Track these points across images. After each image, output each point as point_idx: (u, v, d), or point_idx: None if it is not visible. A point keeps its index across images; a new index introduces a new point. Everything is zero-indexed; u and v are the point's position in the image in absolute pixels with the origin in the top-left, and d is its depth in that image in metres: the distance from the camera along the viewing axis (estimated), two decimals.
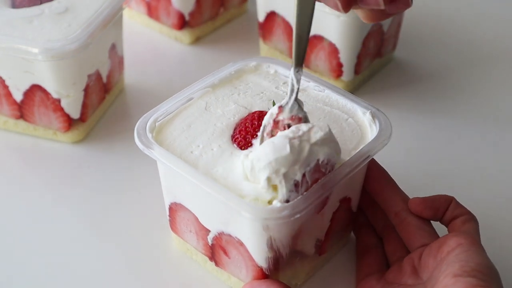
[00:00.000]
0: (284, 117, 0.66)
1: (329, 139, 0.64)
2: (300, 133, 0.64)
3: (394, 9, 0.61)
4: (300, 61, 0.65)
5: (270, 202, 0.63)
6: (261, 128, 0.67)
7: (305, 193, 0.63)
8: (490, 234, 0.74)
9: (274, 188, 0.63)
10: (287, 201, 0.63)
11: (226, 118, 0.72)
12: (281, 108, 0.66)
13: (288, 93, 0.66)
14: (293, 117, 0.66)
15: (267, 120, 0.67)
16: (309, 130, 0.64)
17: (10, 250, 0.78)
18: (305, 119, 0.66)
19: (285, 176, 0.62)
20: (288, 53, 1.01)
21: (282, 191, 0.63)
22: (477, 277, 0.60)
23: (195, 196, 0.69)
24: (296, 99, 0.66)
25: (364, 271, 0.73)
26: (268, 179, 0.63)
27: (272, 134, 0.66)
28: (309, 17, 0.63)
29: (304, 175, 0.63)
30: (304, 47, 0.64)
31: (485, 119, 0.97)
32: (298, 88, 0.66)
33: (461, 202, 0.71)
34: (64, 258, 0.77)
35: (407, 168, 0.89)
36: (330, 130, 0.65)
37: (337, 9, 0.61)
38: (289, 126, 0.66)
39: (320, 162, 0.64)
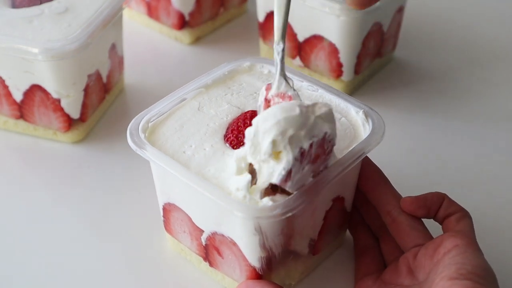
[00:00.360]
0: (272, 94, 0.66)
1: (331, 117, 0.63)
2: (305, 104, 0.62)
3: None
4: (280, 34, 0.66)
5: (252, 192, 0.63)
6: (257, 109, 0.67)
7: (306, 167, 0.62)
8: (487, 235, 0.74)
9: (277, 156, 0.61)
10: (290, 172, 0.61)
11: (219, 118, 0.72)
12: (269, 85, 0.66)
13: (275, 69, 0.66)
14: (282, 95, 0.66)
15: (260, 100, 0.67)
16: (314, 104, 0.63)
17: (10, 250, 0.78)
18: (295, 97, 0.66)
19: (291, 140, 0.60)
20: (289, 53, 1.01)
21: (287, 158, 0.60)
22: (474, 279, 0.60)
23: (188, 196, 0.69)
24: (283, 75, 0.66)
25: (361, 271, 0.73)
26: (273, 143, 0.60)
27: None
28: None
29: (311, 146, 0.61)
30: (284, 20, 0.65)
31: (485, 119, 0.97)
32: (282, 61, 0.66)
33: (460, 203, 0.71)
34: (63, 258, 0.78)
35: (407, 168, 0.88)
36: (332, 108, 0.64)
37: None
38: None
39: (326, 136, 0.62)
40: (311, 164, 0.63)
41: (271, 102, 0.66)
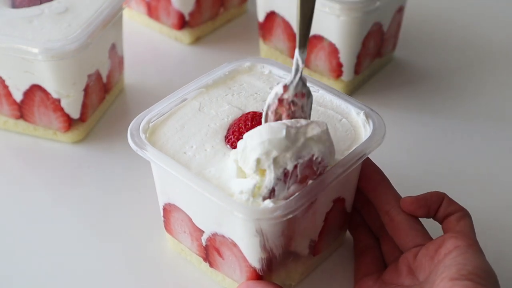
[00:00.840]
0: (289, 95, 0.66)
1: (325, 138, 0.64)
2: (298, 125, 0.64)
3: None
4: (304, 42, 0.66)
5: (255, 195, 0.63)
6: (265, 107, 0.67)
7: (292, 187, 0.63)
8: (487, 235, 0.74)
9: (262, 173, 0.63)
10: (273, 190, 0.62)
11: (220, 119, 0.72)
12: (286, 87, 0.66)
13: (293, 73, 0.66)
14: (297, 94, 0.66)
15: (271, 99, 0.66)
16: (307, 124, 0.64)
17: (10, 250, 0.78)
18: (308, 94, 0.67)
19: (276, 161, 0.62)
20: (288, 53, 1.01)
21: (270, 177, 0.62)
22: (475, 280, 0.60)
23: (188, 197, 0.69)
24: (301, 78, 0.66)
25: (362, 271, 0.73)
26: (258, 161, 0.62)
27: (276, 112, 0.66)
28: None
29: (296, 167, 0.63)
30: (307, 27, 0.65)
31: (486, 119, 0.97)
32: (302, 68, 0.66)
33: (461, 203, 0.71)
34: (63, 258, 0.77)
35: (407, 168, 0.88)
36: (327, 129, 0.65)
37: None
38: (293, 103, 0.66)
39: (314, 158, 0.63)
40: (298, 184, 0.64)
41: (284, 102, 0.66)
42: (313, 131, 0.63)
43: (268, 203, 0.62)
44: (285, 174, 0.62)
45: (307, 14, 0.65)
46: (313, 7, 0.65)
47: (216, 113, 0.73)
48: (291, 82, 0.66)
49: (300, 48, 0.66)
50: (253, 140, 0.63)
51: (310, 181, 0.64)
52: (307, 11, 0.65)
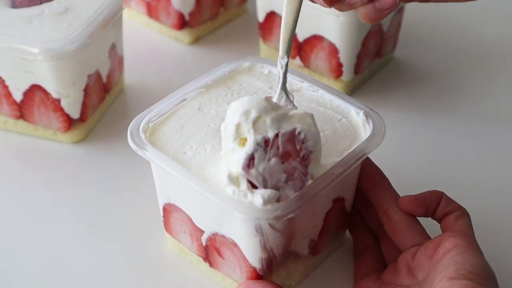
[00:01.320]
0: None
1: (309, 121, 0.63)
2: (281, 103, 0.64)
3: (384, 5, 0.62)
4: (285, 49, 0.67)
5: (238, 184, 0.62)
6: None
7: (273, 159, 0.62)
8: (486, 234, 0.74)
9: (242, 143, 0.62)
10: (252, 157, 0.61)
11: (220, 119, 0.72)
12: (270, 98, 0.66)
13: (276, 82, 0.66)
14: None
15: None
16: (294, 107, 0.64)
17: (10, 250, 0.78)
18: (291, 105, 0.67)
19: (255, 126, 0.61)
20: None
21: (249, 143, 0.61)
22: (473, 279, 0.60)
23: (188, 196, 0.69)
24: (284, 89, 0.66)
25: (361, 271, 0.73)
26: (237, 126, 0.61)
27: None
28: (296, 6, 0.65)
29: (277, 136, 0.61)
30: (290, 35, 0.66)
31: (485, 119, 0.97)
32: (284, 75, 0.66)
33: (460, 203, 0.71)
34: (63, 258, 0.77)
35: (406, 168, 0.88)
36: (313, 116, 0.64)
37: (322, 4, 0.63)
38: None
39: (296, 133, 0.62)
40: (279, 159, 0.62)
41: None
42: (295, 111, 0.63)
43: (259, 197, 0.61)
44: (266, 141, 0.61)
45: (290, 22, 0.66)
46: (296, 15, 0.66)
47: (216, 113, 0.73)
48: (275, 93, 0.67)
49: (281, 54, 0.67)
50: (234, 105, 0.63)
51: (293, 163, 0.63)
52: (290, 19, 0.66)
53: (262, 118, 0.61)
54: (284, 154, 0.62)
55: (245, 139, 0.62)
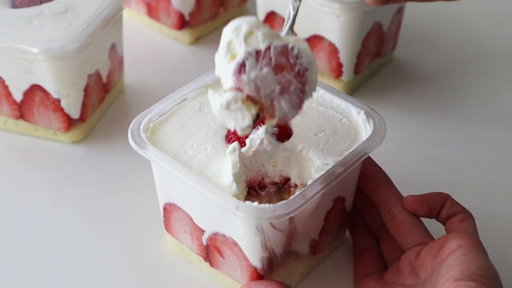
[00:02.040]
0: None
1: (303, 43, 0.62)
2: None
3: None
4: None
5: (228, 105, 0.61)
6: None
7: (265, 69, 0.61)
8: (488, 235, 0.73)
9: (233, 57, 0.61)
10: (243, 64, 0.60)
11: None
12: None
13: (285, 22, 0.66)
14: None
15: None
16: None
17: (10, 250, 0.78)
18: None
19: (247, 41, 0.60)
20: None
21: (240, 52, 0.60)
22: (478, 280, 0.60)
23: (189, 196, 0.69)
24: (292, 29, 0.65)
25: (362, 272, 0.73)
26: (228, 44, 0.61)
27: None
28: None
29: (269, 48, 0.60)
30: None
31: (486, 118, 0.97)
32: (294, 17, 0.65)
33: (461, 203, 0.71)
34: (63, 258, 0.77)
35: (407, 168, 0.88)
36: (306, 43, 0.63)
37: None
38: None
39: (289, 48, 0.61)
40: (271, 70, 0.60)
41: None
42: (291, 36, 0.62)
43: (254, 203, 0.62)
44: (257, 52, 0.60)
45: None
46: None
47: None
48: (282, 31, 0.66)
49: None
50: (226, 28, 0.62)
51: (288, 76, 0.61)
52: None
53: (254, 33, 0.60)
54: (277, 66, 0.61)
55: (235, 55, 0.61)
